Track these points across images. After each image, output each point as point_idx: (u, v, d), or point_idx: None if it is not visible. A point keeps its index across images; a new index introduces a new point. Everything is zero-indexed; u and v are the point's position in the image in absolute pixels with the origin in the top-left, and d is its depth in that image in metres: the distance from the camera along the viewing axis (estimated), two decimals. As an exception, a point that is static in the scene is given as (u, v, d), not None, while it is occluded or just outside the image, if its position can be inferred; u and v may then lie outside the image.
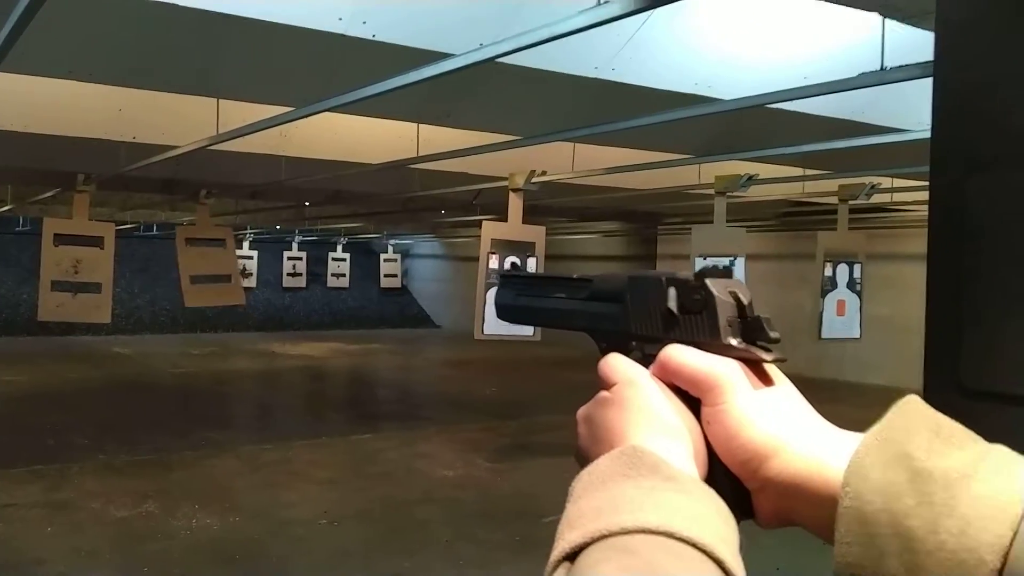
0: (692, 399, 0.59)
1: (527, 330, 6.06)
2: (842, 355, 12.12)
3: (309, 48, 3.64)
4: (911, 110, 4.45)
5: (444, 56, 3.40)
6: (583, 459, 0.59)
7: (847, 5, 3.12)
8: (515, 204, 6.08)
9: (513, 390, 12.72)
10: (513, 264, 1.00)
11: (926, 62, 2.84)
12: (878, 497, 0.47)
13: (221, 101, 5.46)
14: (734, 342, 0.58)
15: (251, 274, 20.79)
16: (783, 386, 0.59)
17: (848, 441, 0.53)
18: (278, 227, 18.58)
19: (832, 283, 7.03)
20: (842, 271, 7.07)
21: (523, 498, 6.74)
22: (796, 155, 5.85)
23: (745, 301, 0.58)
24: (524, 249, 6.04)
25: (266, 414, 11.27)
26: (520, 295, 0.76)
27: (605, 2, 2.57)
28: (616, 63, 3.96)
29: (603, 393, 0.61)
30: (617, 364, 0.61)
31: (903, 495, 0.47)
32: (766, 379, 0.58)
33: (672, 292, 0.60)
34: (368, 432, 9.16)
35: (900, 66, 2.96)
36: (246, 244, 20.58)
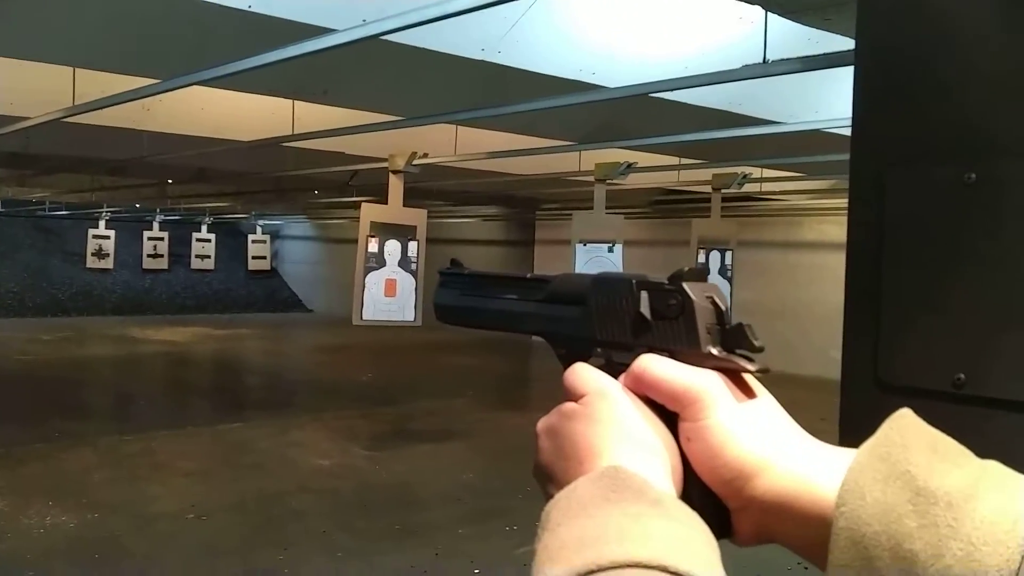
0: (667, 412, 0.54)
1: (408, 315, 5.97)
2: (711, 339, 12.57)
3: (178, 16, 3.42)
4: (785, 103, 4.61)
5: (325, 31, 3.27)
6: (547, 475, 0.55)
7: (731, -3, 3.17)
8: (396, 186, 5.96)
9: (390, 376, 12.56)
10: (453, 261, 0.92)
11: (807, 56, 2.92)
12: (877, 518, 0.45)
13: (78, 70, 5.09)
14: (714, 351, 0.53)
15: (108, 254, 19.75)
16: (764, 399, 0.55)
17: (837, 457, 0.50)
18: (138, 205, 17.66)
19: (705, 269, 7.25)
20: (714, 257, 7.31)
21: (402, 486, 6.66)
22: (674, 144, 5.98)
23: (723, 307, 0.54)
24: (405, 232, 5.93)
25: (126, 403, 10.69)
26: (464, 295, 0.70)
27: (497, -19, 2.51)
28: (502, 46, 3.92)
29: (569, 405, 0.56)
30: (586, 375, 0.56)
31: (904, 517, 0.44)
32: (748, 391, 0.54)
33: (644, 296, 0.55)
34: (237, 421, 8.84)
35: (782, 59, 3.03)
36: (102, 223, 19.52)
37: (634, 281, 0.56)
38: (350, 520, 5.79)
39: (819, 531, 0.47)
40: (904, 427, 0.48)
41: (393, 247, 5.97)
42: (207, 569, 4.93)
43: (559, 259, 8.40)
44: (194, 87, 4.43)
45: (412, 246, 6.00)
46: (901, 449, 0.47)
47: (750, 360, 0.53)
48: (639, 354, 0.56)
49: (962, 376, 0.92)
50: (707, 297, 0.54)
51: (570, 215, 7.49)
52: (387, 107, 5.47)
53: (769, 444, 0.52)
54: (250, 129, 6.53)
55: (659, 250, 13.62)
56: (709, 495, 0.53)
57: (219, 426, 8.64)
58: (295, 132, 6.02)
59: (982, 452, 0.49)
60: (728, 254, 7.46)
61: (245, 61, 3.58)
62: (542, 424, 0.57)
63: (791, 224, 12.05)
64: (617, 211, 8.08)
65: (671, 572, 0.40)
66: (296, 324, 20.29)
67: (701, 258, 7.34)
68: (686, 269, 0.55)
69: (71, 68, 5.05)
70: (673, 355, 0.54)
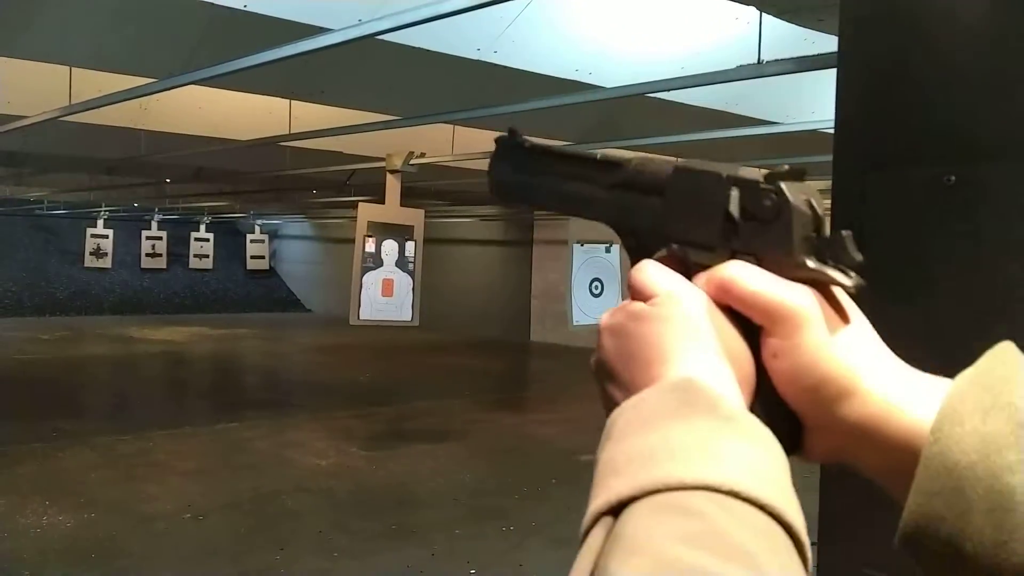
0: (746, 323, 0.50)
1: (405, 315, 5.97)
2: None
3: (175, 16, 3.43)
4: (781, 104, 4.61)
5: (321, 30, 3.27)
6: (610, 375, 0.51)
7: (726, -2, 3.18)
8: (393, 186, 5.96)
9: (387, 376, 12.56)
10: (511, 130, 0.81)
11: (802, 57, 2.93)
12: (975, 447, 0.42)
13: (74, 70, 5.09)
14: (810, 262, 0.48)
15: (106, 254, 19.74)
16: (858, 319, 0.52)
17: (936, 385, 0.48)
18: (136, 205, 17.65)
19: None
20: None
21: (398, 486, 6.66)
22: (671, 143, 5.98)
23: (821, 212, 0.49)
24: (402, 232, 5.93)
25: (124, 403, 10.69)
26: (525, 171, 0.64)
27: (491, -18, 2.52)
28: (499, 46, 3.92)
29: (638, 304, 0.52)
30: (657, 274, 0.52)
31: (1005, 449, 0.42)
32: (840, 311, 0.51)
33: (735, 194, 0.50)
34: (235, 421, 8.84)
35: (776, 60, 3.04)
36: (101, 222, 19.51)
37: (725, 175, 0.51)
38: (346, 520, 5.79)
39: (903, 458, 0.45)
40: (1007, 360, 0.46)
41: (390, 247, 5.98)
42: (203, 569, 4.93)
43: (558, 259, 8.39)
44: (191, 86, 4.44)
45: (409, 246, 6.00)
46: (1004, 381, 0.44)
47: (847, 275, 0.49)
48: (721, 256, 0.51)
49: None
50: (805, 200, 0.49)
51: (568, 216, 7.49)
52: (384, 107, 5.47)
53: (863, 367, 0.49)
54: (247, 128, 6.53)
55: (657, 250, 13.63)
56: (783, 409, 0.50)
57: (216, 426, 8.64)
58: (292, 131, 6.02)
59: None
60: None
61: (241, 60, 3.58)
62: (606, 321, 0.53)
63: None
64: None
65: (742, 497, 0.38)
66: (294, 324, 20.28)
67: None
68: (785, 167, 0.50)
69: (68, 67, 5.05)
70: (760, 262, 0.50)
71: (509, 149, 0.65)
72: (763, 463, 0.41)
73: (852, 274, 0.48)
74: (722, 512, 0.37)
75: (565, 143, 6.36)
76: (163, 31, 3.77)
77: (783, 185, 0.48)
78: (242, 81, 4.41)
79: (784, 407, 0.50)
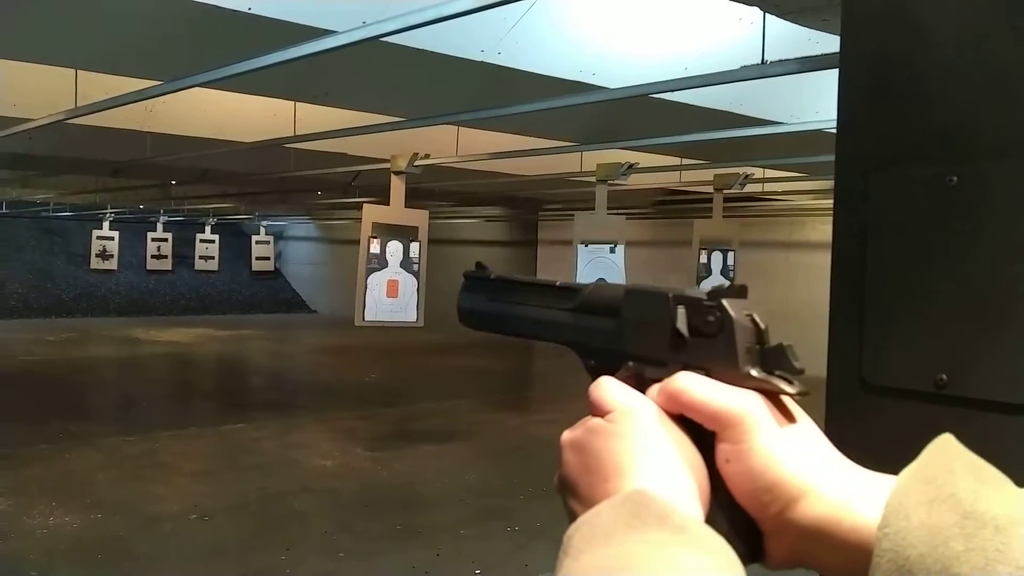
0: (696, 431, 0.53)
1: (410, 316, 5.98)
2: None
3: (179, 18, 3.43)
4: (785, 104, 4.61)
5: (325, 33, 3.28)
6: (571, 489, 0.54)
7: (730, -1, 3.18)
8: (397, 187, 5.97)
9: (392, 377, 12.58)
10: (478, 264, 0.88)
11: (805, 57, 2.93)
12: (922, 540, 0.44)
13: (80, 72, 5.10)
14: (753, 372, 0.52)
15: (112, 255, 19.79)
16: (804, 422, 0.54)
17: (879, 482, 0.50)
18: (141, 207, 17.70)
19: (707, 270, 7.26)
20: (716, 258, 7.31)
21: (404, 487, 6.67)
22: (675, 145, 5.98)
23: (763, 326, 0.53)
24: (407, 233, 5.94)
25: (130, 404, 10.72)
26: (490, 300, 0.68)
27: (495, -16, 2.52)
28: (502, 47, 3.92)
29: (596, 421, 0.55)
30: (613, 390, 0.55)
31: (951, 539, 0.43)
32: (787, 414, 0.54)
33: (681, 311, 0.54)
34: (240, 422, 8.85)
35: (780, 60, 3.04)
36: (106, 224, 19.56)
37: (671, 295, 0.55)
38: (352, 521, 5.80)
39: (857, 556, 0.47)
40: (947, 451, 0.48)
41: (395, 248, 5.98)
42: (209, 570, 4.95)
43: (562, 260, 8.39)
44: (196, 88, 4.45)
45: (414, 247, 6.00)
46: (946, 473, 0.46)
47: (790, 382, 0.52)
48: (673, 371, 0.54)
49: (944, 377, 0.93)
50: (747, 315, 0.53)
51: (572, 216, 7.50)
52: (388, 108, 5.48)
53: (810, 469, 0.52)
54: (252, 130, 6.55)
55: (662, 251, 13.62)
56: (742, 517, 0.52)
57: (222, 427, 8.66)
58: (297, 133, 6.03)
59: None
60: (730, 254, 7.46)
61: (246, 63, 3.59)
62: (567, 437, 0.56)
63: (794, 224, 12.04)
64: (619, 212, 8.09)
65: None
66: (299, 325, 20.31)
67: (703, 258, 7.34)
68: (726, 285, 0.54)
69: (73, 70, 5.06)
70: (709, 373, 0.53)
71: (476, 281, 0.70)
72: (711, 570, 0.43)
73: (795, 381, 0.52)
74: None
75: (570, 143, 6.36)
76: (168, 34, 3.78)
77: (724, 302, 0.52)
78: (247, 83, 4.42)
79: (743, 513, 0.52)
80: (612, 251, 6.86)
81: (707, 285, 7.26)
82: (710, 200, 7.82)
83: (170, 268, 21.30)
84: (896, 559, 0.44)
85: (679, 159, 7.31)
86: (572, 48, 4.13)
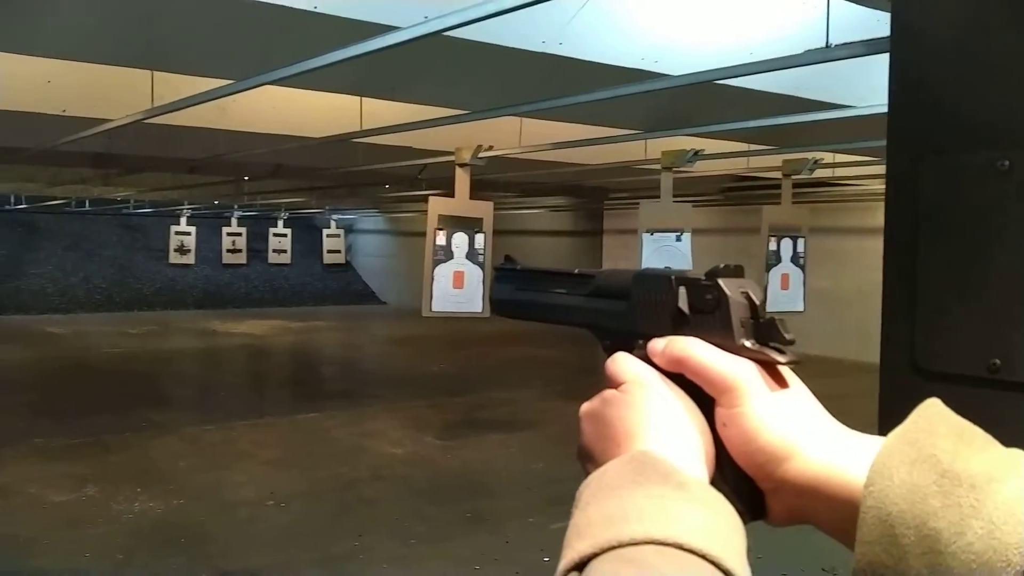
0: (702, 397, 0.58)
1: (476, 306, 6.04)
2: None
3: (249, 19, 3.53)
4: (853, 87, 4.51)
5: (388, 29, 3.33)
6: (587, 456, 0.59)
7: (793, -19, 3.13)
8: (462, 179, 6.03)
9: (461, 366, 12.70)
10: (507, 257, 0.94)
11: (870, 39, 2.87)
12: (903, 497, 0.47)
13: (156, 73, 5.28)
14: (748, 343, 0.57)
15: (189, 250, 20.39)
16: (797, 388, 0.59)
17: (866, 443, 0.54)
18: (216, 202, 18.19)
19: (776, 257, 7.14)
20: (786, 245, 7.18)
21: (472, 474, 6.75)
22: (741, 130, 5.90)
23: (758, 301, 0.57)
24: (472, 225, 5.99)
25: (208, 394, 11.07)
26: (518, 290, 0.74)
27: (553, -24, 2.53)
28: (563, 37, 3.93)
29: (610, 391, 0.60)
30: (626, 363, 0.60)
31: (929, 496, 0.47)
32: (781, 381, 0.58)
33: (683, 291, 0.59)
34: (313, 411, 9.07)
35: (845, 43, 2.98)
36: (184, 220, 20.14)
37: (673, 277, 0.60)
38: (422, 507, 5.90)
39: (847, 512, 0.50)
40: (931, 415, 0.51)
41: (460, 239, 6.04)
42: (286, 554, 5.09)
43: (628, 249, 8.35)
44: (266, 87, 4.56)
45: (479, 238, 6.06)
46: (928, 435, 0.50)
47: (781, 352, 0.57)
48: None
49: (997, 362, 0.93)
50: (742, 292, 0.57)
51: (638, 204, 7.46)
52: (451, 101, 5.53)
53: (800, 430, 0.55)
54: (321, 126, 6.68)
55: (730, 238, 13.43)
56: (743, 478, 0.56)
57: (296, 416, 8.88)
58: (363, 128, 6.13)
59: (1017, 436, 0.51)
60: (800, 241, 7.32)
61: (313, 60, 3.67)
62: (585, 408, 0.61)
63: (866, 209, 11.72)
64: (687, 199, 8.01)
65: (686, 550, 0.44)
66: (370, 316, 20.62)
67: (772, 245, 7.22)
68: (722, 266, 0.58)
69: (149, 71, 5.24)
70: None
71: (504, 273, 0.76)
72: (708, 521, 0.47)
73: (786, 351, 0.57)
74: (666, 562, 0.43)
75: (634, 131, 6.33)
76: (238, 34, 3.89)
77: (720, 281, 0.57)
78: (314, 80, 4.51)
79: (743, 474, 0.57)
80: (678, 239, 6.81)
81: (775, 273, 7.16)
82: (779, 186, 7.68)
83: (245, 262, 21.82)
84: (879, 515, 0.48)
85: (746, 145, 7.20)
86: (634, 36, 4.11)
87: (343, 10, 3.44)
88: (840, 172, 8.69)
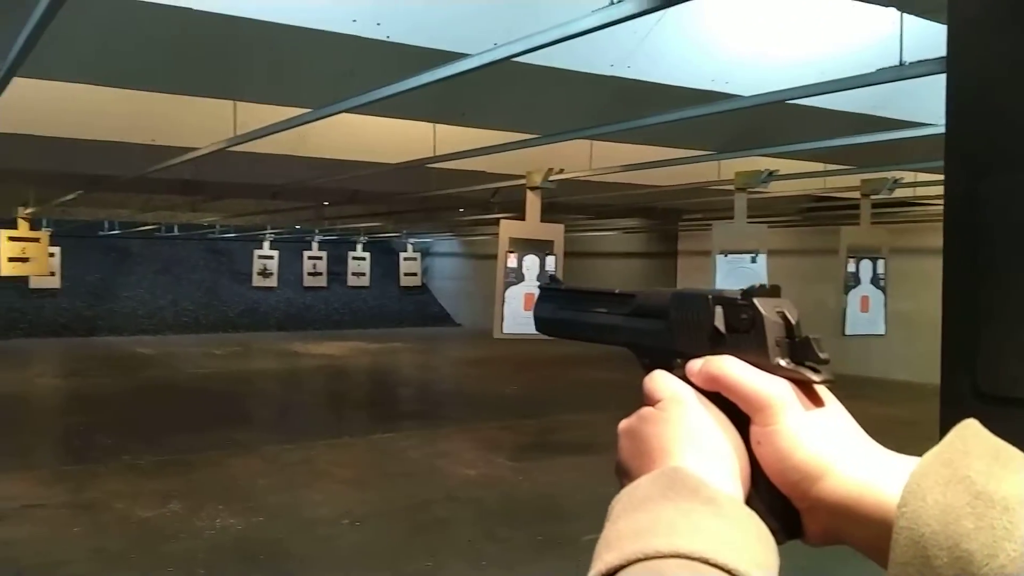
0: (738, 416, 0.58)
1: (546, 329, 6.04)
2: (868, 351, 12.01)
3: (324, 50, 3.65)
4: (929, 104, 4.39)
5: (458, 56, 3.40)
6: (624, 472, 0.60)
7: (864, 0, 3.08)
8: (533, 202, 6.06)
9: (533, 388, 12.71)
10: (552, 277, 0.97)
11: (943, 57, 2.80)
12: (936, 519, 0.47)
13: (238, 103, 5.49)
14: (783, 362, 0.57)
15: (272, 273, 20.95)
16: (833, 407, 0.59)
17: (900, 463, 0.53)
18: (298, 227, 18.67)
19: (855, 279, 6.95)
20: (865, 267, 6.99)
21: (544, 497, 6.74)
22: (816, 150, 5.80)
23: (793, 321, 0.58)
24: (543, 247, 6.02)
25: (288, 414, 11.33)
26: (560, 308, 0.76)
27: (618, 1, 2.56)
28: (632, 61, 3.94)
29: (647, 409, 0.61)
30: (663, 381, 0.61)
31: (962, 518, 0.47)
32: (816, 400, 0.58)
33: (719, 310, 0.60)
34: (390, 431, 9.19)
35: (918, 61, 2.92)
36: (267, 244, 20.73)
37: (710, 296, 0.61)
38: (494, 529, 5.91)
39: (881, 532, 0.50)
40: (967, 436, 0.51)
41: (531, 262, 6.07)
42: (361, 573, 5.17)
43: (703, 270, 8.26)
44: (343, 114, 4.69)
45: (550, 260, 6.07)
46: (963, 455, 0.49)
47: (816, 371, 0.57)
48: None
49: (1061, 386, 0.91)
50: (777, 312, 0.58)
51: (712, 225, 7.38)
52: (522, 126, 5.58)
53: (834, 449, 0.56)
54: (396, 152, 6.81)
55: (807, 259, 13.15)
56: (778, 496, 0.57)
57: (373, 436, 9.01)
58: (436, 154, 6.24)
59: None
60: (880, 262, 7.11)
61: (387, 88, 3.77)
62: (623, 425, 0.62)
63: (950, 230, 11.31)
64: (762, 220, 7.88)
65: (712, 564, 0.44)
66: (444, 338, 20.83)
67: (851, 267, 7.04)
68: (758, 285, 0.59)
69: (232, 102, 5.45)
70: None
71: (549, 292, 0.77)
72: (736, 536, 0.47)
73: (821, 370, 0.57)
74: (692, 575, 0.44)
75: (706, 152, 6.28)
76: (316, 65, 4.02)
77: (756, 301, 0.58)
78: (389, 107, 4.61)
79: (778, 493, 0.57)
80: (753, 260, 6.70)
81: (854, 295, 6.98)
82: (858, 206, 7.50)
83: (325, 284, 22.28)
84: (912, 536, 0.48)
85: (822, 165, 7.07)
86: (703, 57, 4.10)
87: (414, 39, 3.52)
88: (921, 192, 8.44)
